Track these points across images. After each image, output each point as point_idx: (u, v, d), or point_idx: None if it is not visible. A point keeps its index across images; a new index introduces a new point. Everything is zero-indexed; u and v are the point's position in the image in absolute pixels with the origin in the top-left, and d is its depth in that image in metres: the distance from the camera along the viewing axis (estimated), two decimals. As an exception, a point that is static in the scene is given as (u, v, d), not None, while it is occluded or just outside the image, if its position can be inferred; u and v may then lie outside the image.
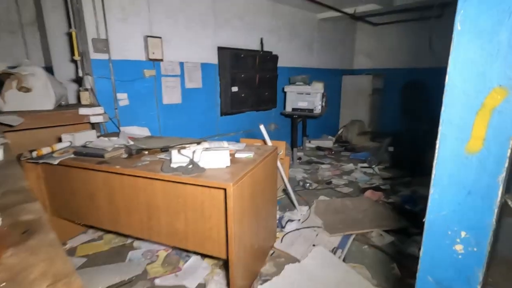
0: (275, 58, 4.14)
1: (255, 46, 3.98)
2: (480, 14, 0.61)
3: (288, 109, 4.24)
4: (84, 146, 1.88)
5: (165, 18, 2.91)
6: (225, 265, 1.84)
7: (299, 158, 4.27)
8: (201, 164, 1.48)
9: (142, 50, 2.77)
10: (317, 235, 2.29)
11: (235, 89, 3.63)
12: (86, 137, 2.00)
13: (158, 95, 2.95)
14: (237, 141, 2.43)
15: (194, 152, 1.53)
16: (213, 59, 3.50)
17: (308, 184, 3.28)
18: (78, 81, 2.69)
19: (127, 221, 1.74)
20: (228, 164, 1.53)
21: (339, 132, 5.55)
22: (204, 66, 3.38)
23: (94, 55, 2.45)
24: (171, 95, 3.05)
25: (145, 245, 2.14)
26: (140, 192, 1.64)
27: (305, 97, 4.07)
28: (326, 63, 5.44)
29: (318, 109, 4.03)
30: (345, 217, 2.53)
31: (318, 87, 3.95)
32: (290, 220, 2.46)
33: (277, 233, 2.30)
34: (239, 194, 1.40)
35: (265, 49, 4.10)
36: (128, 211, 1.71)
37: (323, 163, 4.12)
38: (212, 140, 2.18)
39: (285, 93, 4.30)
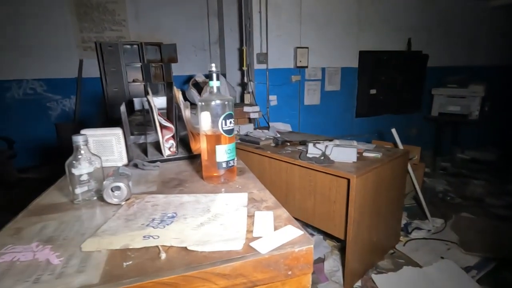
0: (424, 58, 3.84)
1: (401, 47, 3.84)
2: None
3: (434, 113, 3.85)
4: (246, 135, 2.57)
5: (311, 30, 3.34)
6: (343, 250, 2.09)
7: (444, 169, 3.80)
8: (331, 157, 1.80)
9: (291, 59, 3.32)
10: (448, 249, 2.15)
11: (373, 91, 3.67)
12: (247, 128, 2.71)
13: (301, 97, 3.45)
14: (369, 142, 2.57)
15: (326, 146, 1.86)
16: (353, 63, 3.68)
17: (449, 198, 2.97)
18: (243, 85, 3.55)
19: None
20: (355, 159, 1.78)
21: None
22: (344, 70, 3.61)
23: (256, 66, 3.18)
24: (311, 97, 3.49)
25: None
26: (282, 173, 2.13)
27: (458, 101, 3.58)
28: (499, 59, 4.45)
29: (474, 115, 3.46)
30: (491, 240, 2.21)
31: (477, 90, 3.39)
32: (418, 228, 2.39)
33: (401, 237, 2.31)
34: (362, 186, 1.63)
35: (413, 49, 3.87)
36: (273, 186, 2.25)
37: (476, 178, 3.52)
38: (345, 139, 2.43)
39: (432, 96, 3.91)
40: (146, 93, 1.00)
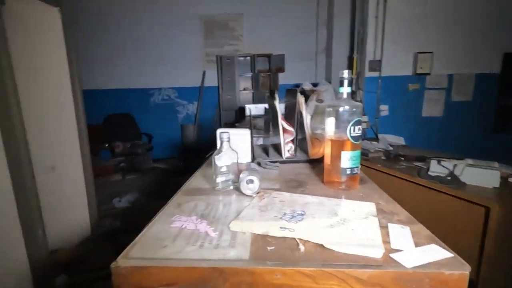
0: None
1: None
2: None
3: None
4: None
5: (436, 33, 2.94)
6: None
7: None
8: (462, 178, 1.53)
9: (409, 66, 3.00)
10: None
11: (521, 103, 2.93)
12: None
13: (418, 107, 3.07)
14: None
15: (455, 165, 1.59)
16: (494, 67, 3.03)
17: None
18: (351, 94, 3.42)
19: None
20: (497, 185, 1.45)
21: None
22: (479, 77, 3.02)
23: (367, 74, 3.01)
24: (432, 107, 3.05)
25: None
26: (392, 189, 1.91)
27: None
28: None
29: None
30: None
31: None
32: None
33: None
34: (506, 218, 1.32)
35: None
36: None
37: None
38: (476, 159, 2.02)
39: None
40: (272, 99, 1.09)
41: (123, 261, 0.50)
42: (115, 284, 0.50)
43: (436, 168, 1.64)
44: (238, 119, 4.10)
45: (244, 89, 4.76)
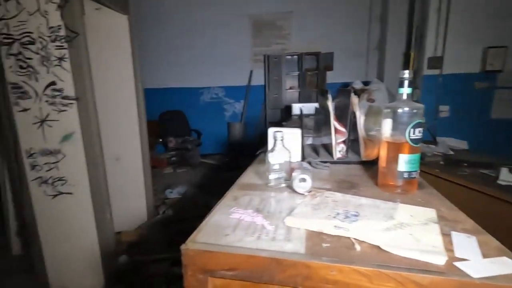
0: None
1: None
2: None
3: None
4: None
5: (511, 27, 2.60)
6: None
7: None
8: (539, 189, 1.35)
9: (477, 62, 2.71)
10: None
11: None
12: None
13: (485, 108, 2.76)
14: None
15: (531, 174, 1.41)
16: None
17: None
18: (405, 93, 3.20)
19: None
20: None
21: None
22: None
23: (426, 71, 2.80)
24: (504, 108, 2.72)
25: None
26: (452, 197, 1.78)
27: None
28: None
29: None
30: None
31: None
32: None
33: None
34: None
35: None
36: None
37: None
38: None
39: None
40: (324, 99, 1.09)
41: (191, 244, 0.56)
42: (184, 263, 0.56)
43: (507, 177, 1.47)
44: (284, 117, 4.13)
45: (290, 88, 4.75)
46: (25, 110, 1.64)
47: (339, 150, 1.07)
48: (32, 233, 1.79)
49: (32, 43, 1.57)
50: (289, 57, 4.66)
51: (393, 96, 3.12)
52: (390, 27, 3.88)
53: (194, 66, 5.09)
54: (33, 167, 1.71)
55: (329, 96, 1.05)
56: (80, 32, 1.59)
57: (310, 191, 0.80)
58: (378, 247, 0.52)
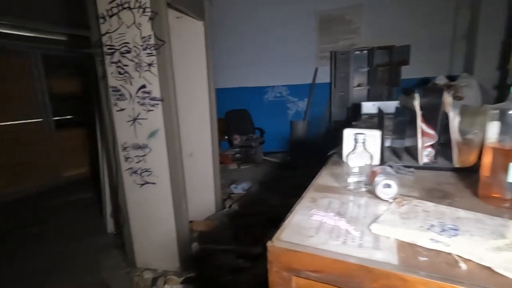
0: None
1: None
2: None
3: None
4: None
5: None
6: None
7: None
8: None
9: None
10: None
11: None
12: None
13: None
14: None
15: None
16: None
17: None
18: (501, 88, 2.73)
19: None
20: None
21: None
22: None
23: (534, 63, 2.34)
24: None
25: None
26: None
27: None
28: None
29: None
30: None
31: None
32: None
33: None
34: None
35: None
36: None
37: None
38: None
39: None
40: (409, 98, 1.00)
41: (277, 242, 0.58)
42: (269, 259, 0.58)
43: None
44: (352, 117, 3.92)
45: (358, 85, 4.50)
46: (121, 110, 1.91)
47: (426, 155, 0.97)
48: (124, 215, 2.08)
49: (129, 52, 1.82)
50: (358, 52, 4.42)
51: (487, 93, 2.70)
52: (483, 12, 3.35)
53: (259, 66, 5.22)
54: (126, 159, 1.98)
55: (416, 96, 0.96)
56: (166, 39, 1.78)
57: (395, 198, 0.75)
58: (490, 269, 0.46)
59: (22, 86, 3.79)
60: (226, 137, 4.94)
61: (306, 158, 4.78)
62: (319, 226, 0.63)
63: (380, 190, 0.75)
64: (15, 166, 3.72)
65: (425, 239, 0.55)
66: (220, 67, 5.21)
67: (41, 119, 3.97)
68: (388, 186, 0.74)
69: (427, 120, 1.02)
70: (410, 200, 0.74)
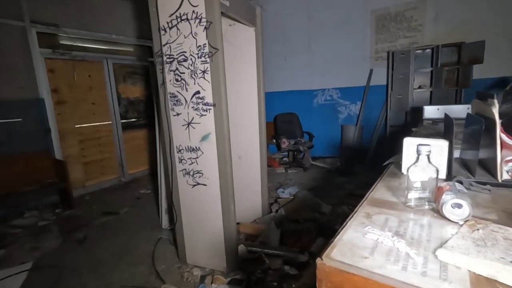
0: None
1: None
2: None
3: None
4: None
5: None
6: None
7: None
8: None
9: None
10: None
11: None
12: None
13: None
14: None
15: None
16: None
17: None
18: None
19: None
20: None
21: None
22: None
23: None
24: None
25: None
26: None
27: None
28: None
29: None
30: None
31: None
32: None
33: None
34: None
35: None
36: None
37: None
38: None
39: None
40: (487, 104, 0.87)
41: (327, 260, 0.55)
42: (318, 277, 0.55)
43: None
44: (412, 122, 3.60)
45: (420, 87, 4.11)
46: (177, 114, 2.04)
47: (506, 170, 0.84)
48: (177, 213, 2.21)
49: (185, 60, 1.93)
50: (420, 51, 4.04)
51: None
52: None
53: (309, 69, 5.13)
54: (180, 160, 2.11)
55: (495, 102, 0.83)
56: (219, 47, 1.85)
57: (466, 220, 0.65)
58: None
59: (100, 93, 4.31)
60: (274, 140, 4.95)
61: (358, 164, 4.53)
62: (374, 246, 0.58)
63: (448, 210, 0.66)
64: (94, 162, 4.27)
65: (507, 274, 0.46)
66: (270, 70, 5.25)
67: (110, 122, 4.46)
68: (459, 206, 0.65)
69: (507, 129, 0.88)
70: (486, 224, 0.64)
